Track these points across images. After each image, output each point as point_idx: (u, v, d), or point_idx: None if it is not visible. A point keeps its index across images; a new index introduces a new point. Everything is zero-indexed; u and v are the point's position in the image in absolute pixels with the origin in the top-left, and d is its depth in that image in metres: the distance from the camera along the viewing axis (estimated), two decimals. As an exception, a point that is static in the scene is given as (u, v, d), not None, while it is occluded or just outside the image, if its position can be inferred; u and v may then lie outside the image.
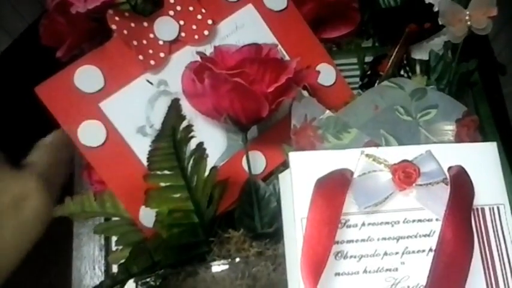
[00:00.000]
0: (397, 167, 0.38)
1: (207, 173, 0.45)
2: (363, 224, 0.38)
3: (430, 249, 0.38)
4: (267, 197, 0.47)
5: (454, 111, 0.47)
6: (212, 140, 0.48)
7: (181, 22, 0.50)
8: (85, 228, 0.78)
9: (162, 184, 0.43)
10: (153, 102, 0.49)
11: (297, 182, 0.38)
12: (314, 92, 0.52)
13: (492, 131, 0.63)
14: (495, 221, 0.39)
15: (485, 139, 0.52)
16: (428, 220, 0.39)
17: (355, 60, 0.72)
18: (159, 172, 0.43)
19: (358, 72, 0.70)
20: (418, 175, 0.38)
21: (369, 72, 0.65)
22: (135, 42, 0.48)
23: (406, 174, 0.38)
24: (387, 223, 0.38)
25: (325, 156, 0.39)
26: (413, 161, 0.39)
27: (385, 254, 0.38)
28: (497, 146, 0.41)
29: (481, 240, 0.39)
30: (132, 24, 0.48)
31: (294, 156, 0.39)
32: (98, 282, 0.45)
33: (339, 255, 0.37)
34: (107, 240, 0.78)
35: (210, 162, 0.45)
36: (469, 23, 0.51)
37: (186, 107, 0.46)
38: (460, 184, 0.39)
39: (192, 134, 0.42)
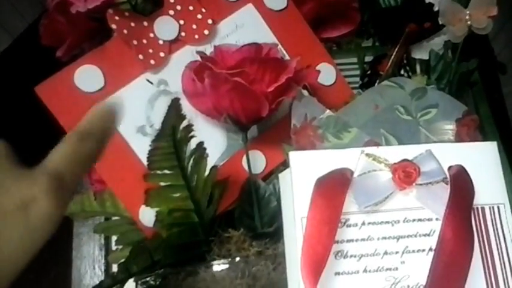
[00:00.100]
0: (397, 167, 0.38)
1: (207, 173, 0.45)
2: (363, 224, 0.38)
3: (430, 249, 0.38)
4: (267, 197, 0.47)
5: (454, 111, 0.47)
6: (212, 139, 0.48)
7: (182, 22, 0.50)
8: (85, 227, 0.78)
9: (162, 183, 0.43)
10: (153, 101, 0.49)
11: (297, 181, 0.38)
12: (314, 91, 0.52)
13: (492, 131, 0.63)
14: (495, 221, 0.39)
15: (485, 139, 0.52)
16: (428, 219, 0.39)
17: (355, 60, 0.72)
18: (159, 172, 0.43)
19: (358, 72, 0.71)
20: (418, 174, 0.38)
21: (369, 72, 0.65)
22: (135, 42, 0.48)
23: (406, 174, 0.38)
24: (387, 222, 0.38)
25: (325, 155, 0.39)
26: (413, 160, 0.39)
27: (385, 253, 0.38)
28: (497, 146, 0.41)
29: (481, 239, 0.39)
30: (132, 24, 0.48)
31: (294, 156, 0.39)
32: (98, 282, 0.45)
33: (339, 254, 0.37)
34: (107, 240, 0.78)
35: (210, 162, 0.45)
36: (469, 22, 0.51)
37: (186, 107, 0.46)
38: (460, 183, 0.39)
39: (192, 133, 0.42)
